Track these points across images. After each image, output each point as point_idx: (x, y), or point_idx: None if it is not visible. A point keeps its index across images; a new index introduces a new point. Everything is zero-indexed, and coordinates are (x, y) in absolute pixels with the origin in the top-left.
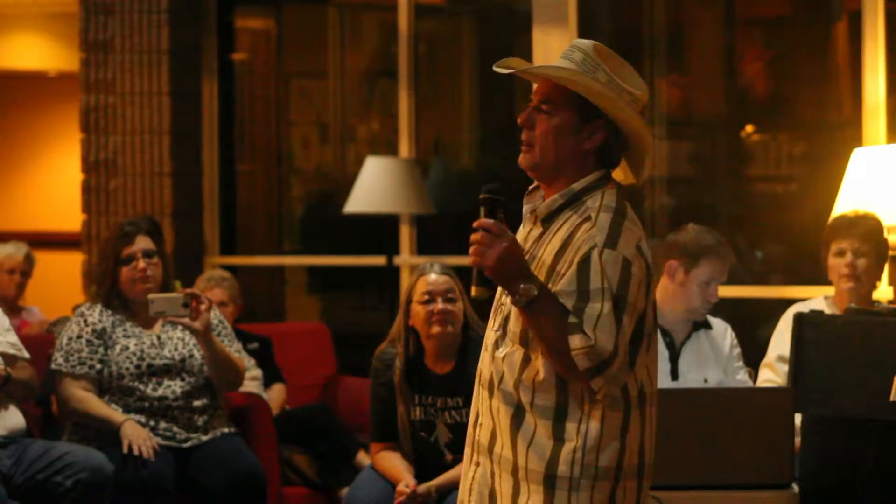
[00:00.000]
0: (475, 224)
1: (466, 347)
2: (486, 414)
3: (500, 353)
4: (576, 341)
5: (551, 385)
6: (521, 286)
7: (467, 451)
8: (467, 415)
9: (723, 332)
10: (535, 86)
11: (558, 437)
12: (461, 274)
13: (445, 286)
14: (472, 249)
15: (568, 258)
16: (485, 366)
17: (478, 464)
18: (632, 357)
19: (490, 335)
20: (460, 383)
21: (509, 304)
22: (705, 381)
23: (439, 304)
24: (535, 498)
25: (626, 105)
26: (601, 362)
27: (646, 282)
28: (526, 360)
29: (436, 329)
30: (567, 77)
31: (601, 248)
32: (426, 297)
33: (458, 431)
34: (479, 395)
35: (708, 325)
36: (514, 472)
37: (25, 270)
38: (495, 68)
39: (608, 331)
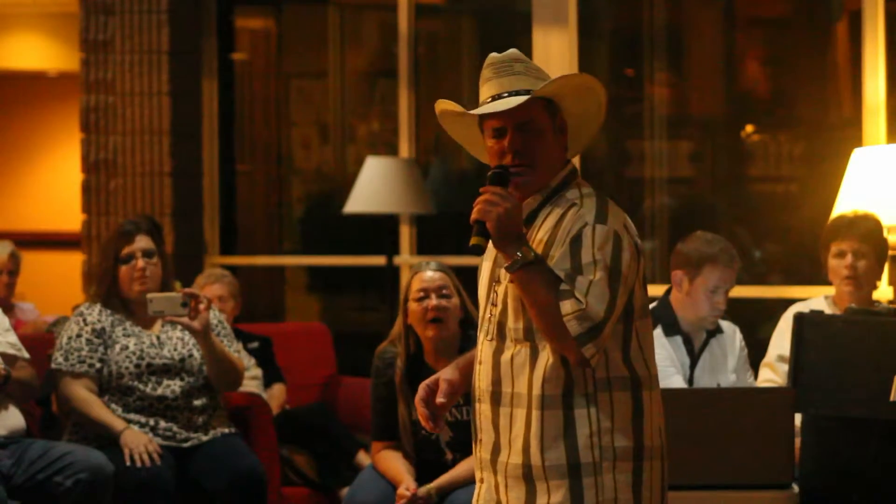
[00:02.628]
0: (482, 189)
1: (466, 344)
2: (486, 429)
3: (506, 357)
4: (567, 306)
5: (559, 372)
6: (519, 249)
7: (476, 472)
8: (468, 412)
9: (732, 334)
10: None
11: (570, 426)
12: (462, 273)
13: (440, 282)
14: (476, 204)
15: (559, 240)
16: (482, 378)
17: (482, 480)
18: (626, 332)
19: (484, 348)
20: None
21: (498, 313)
22: (718, 385)
23: (433, 301)
24: (560, 493)
25: (584, 82)
26: (592, 327)
27: (635, 257)
28: (534, 355)
29: (430, 329)
30: (553, 90)
31: (592, 225)
32: (421, 294)
33: (460, 429)
34: (478, 412)
35: (719, 330)
36: (527, 475)
37: (12, 269)
38: (469, 112)
39: (599, 296)
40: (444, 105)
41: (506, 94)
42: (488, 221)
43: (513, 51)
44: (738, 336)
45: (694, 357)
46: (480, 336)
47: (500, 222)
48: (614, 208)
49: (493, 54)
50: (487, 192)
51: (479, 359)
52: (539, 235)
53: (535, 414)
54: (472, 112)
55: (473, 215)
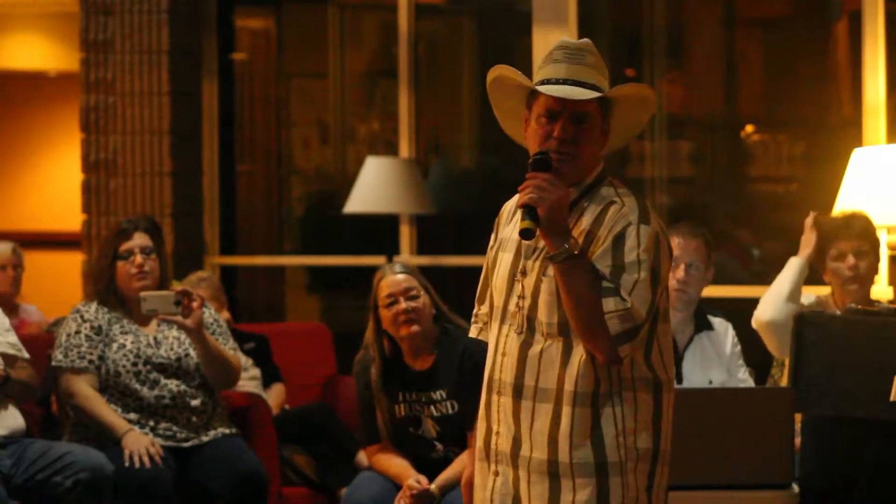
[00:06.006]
0: (529, 175)
1: (443, 339)
2: (505, 422)
3: (534, 350)
4: (610, 304)
5: (591, 369)
6: (566, 240)
7: (481, 464)
8: (452, 406)
9: (724, 331)
10: (544, 98)
11: (597, 425)
12: (463, 273)
13: (405, 284)
14: (525, 189)
15: (601, 237)
16: (506, 371)
17: (496, 473)
18: (649, 335)
19: (508, 341)
20: (441, 375)
21: (527, 307)
22: (710, 382)
23: (402, 304)
24: (586, 490)
25: (648, 95)
26: (633, 328)
27: (669, 261)
28: (567, 350)
29: (403, 330)
30: (620, 94)
31: (637, 225)
32: (389, 299)
33: (444, 424)
34: (496, 404)
35: (710, 326)
36: (553, 472)
37: (17, 264)
38: (543, 89)
39: (643, 297)
40: (502, 70)
41: (571, 82)
42: (540, 207)
43: (587, 41)
44: (731, 332)
45: (678, 353)
46: (503, 328)
47: (552, 210)
48: (653, 211)
49: (566, 38)
50: (537, 178)
51: (501, 351)
52: (577, 230)
53: (566, 410)
54: (537, 87)
55: (522, 199)
